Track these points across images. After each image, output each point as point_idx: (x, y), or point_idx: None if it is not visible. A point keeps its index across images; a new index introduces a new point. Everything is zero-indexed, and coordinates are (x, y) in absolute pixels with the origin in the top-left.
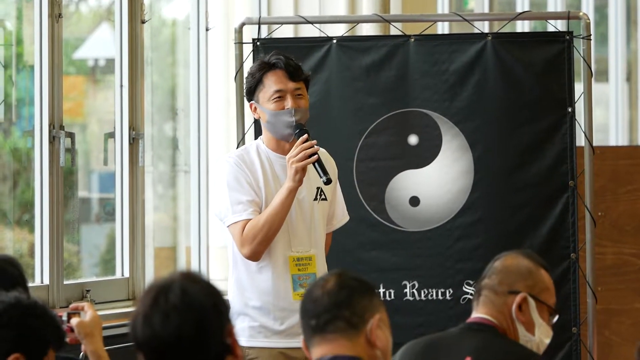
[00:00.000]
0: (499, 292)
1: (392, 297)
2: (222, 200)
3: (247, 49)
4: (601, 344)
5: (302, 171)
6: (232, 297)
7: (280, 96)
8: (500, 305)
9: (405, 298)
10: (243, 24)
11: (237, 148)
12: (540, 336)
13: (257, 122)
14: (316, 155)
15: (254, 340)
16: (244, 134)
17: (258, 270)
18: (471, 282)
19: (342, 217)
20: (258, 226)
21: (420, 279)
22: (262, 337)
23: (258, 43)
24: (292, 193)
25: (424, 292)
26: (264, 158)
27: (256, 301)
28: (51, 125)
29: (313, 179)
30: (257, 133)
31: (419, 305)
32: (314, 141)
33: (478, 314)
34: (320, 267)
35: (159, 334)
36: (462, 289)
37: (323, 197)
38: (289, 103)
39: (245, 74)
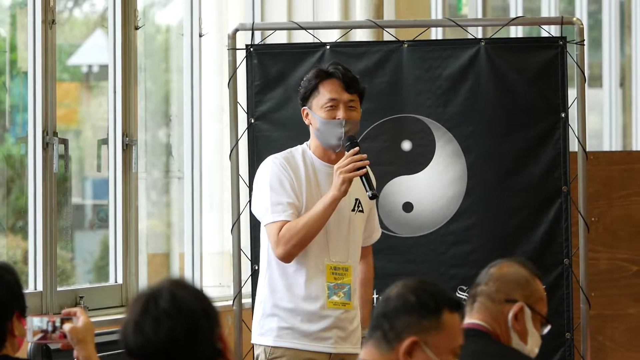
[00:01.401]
0: (495, 300)
1: None
2: (263, 200)
3: (241, 55)
4: (595, 349)
5: (349, 182)
6: (263, 298)
7: (333, 105)
8: (496, 312)
9: None
10: (236, 30)
11: (230, 155)
12: (532, 345)
13: (250, 128)
14: (365, 169)
15: (281, 340)
16: (237, 140)
17: (293, 273)
18: (465, 288)
19: (377, 232)
20: (296, 229)
21: None
22: (289, 337)
23: (251, 49)
24: (335, 202)
25: None
26: (309, 163)
27: (287, 302)
28: (45, 131)
29: (352, 190)
30: (251, 139)
31: None
32: (364, 155)
33: (472, 319)
34: (354, 279)
35: (151, 339)
36: (456, 295)
37: (360, 208)
38: (340, 113)
39: (244, 80)
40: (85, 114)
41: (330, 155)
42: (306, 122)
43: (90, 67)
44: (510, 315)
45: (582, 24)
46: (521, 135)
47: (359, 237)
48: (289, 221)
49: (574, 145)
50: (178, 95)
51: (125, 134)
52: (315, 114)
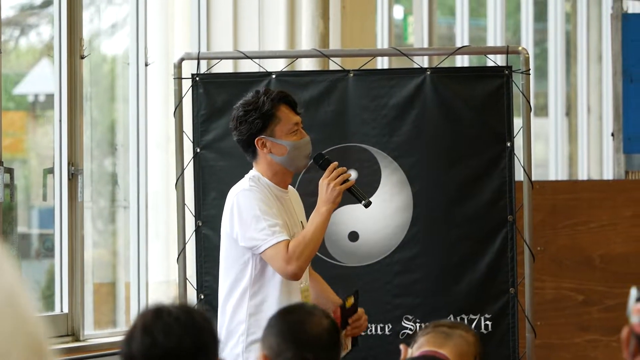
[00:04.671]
0: None
1: None
2: (258, 226)
3: (187, 84)
4: None
5: (341, 194)
6: (244, 329)
7: (298, 129)
8: None
9: None
10: (182, 59)
11: (176, 184)
12: None
13: (196, 157)
14: (353, 180)
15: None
16: (183, 170)
17: (261, 302)
18: (410, 317)
19: None
20: (305, 242)
21: None
22: None
23: (197, 78)
24: (330, 215)
25: None
26: (267, 190)
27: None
28: None
29: (298, 212)
30: (196, 169)
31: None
32: (344, 167)
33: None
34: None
35: (159, 342)
36: (401, 324)
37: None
38: (304, 134)
39: (190, 109)
40: (31, 143)
41: (287, 179)
42: (263, 151)
43: (36, 96)
44: None
45: (527, 54)
46: (467, 164)
47: None
48: (289, 240)
49: (519, 175)
50: (124, 124)
51: (71, 163)
52: (282, 140)
